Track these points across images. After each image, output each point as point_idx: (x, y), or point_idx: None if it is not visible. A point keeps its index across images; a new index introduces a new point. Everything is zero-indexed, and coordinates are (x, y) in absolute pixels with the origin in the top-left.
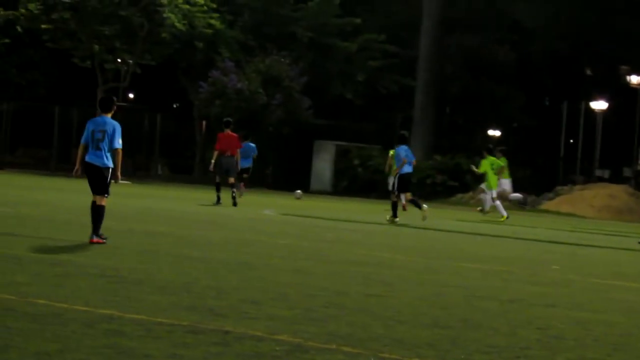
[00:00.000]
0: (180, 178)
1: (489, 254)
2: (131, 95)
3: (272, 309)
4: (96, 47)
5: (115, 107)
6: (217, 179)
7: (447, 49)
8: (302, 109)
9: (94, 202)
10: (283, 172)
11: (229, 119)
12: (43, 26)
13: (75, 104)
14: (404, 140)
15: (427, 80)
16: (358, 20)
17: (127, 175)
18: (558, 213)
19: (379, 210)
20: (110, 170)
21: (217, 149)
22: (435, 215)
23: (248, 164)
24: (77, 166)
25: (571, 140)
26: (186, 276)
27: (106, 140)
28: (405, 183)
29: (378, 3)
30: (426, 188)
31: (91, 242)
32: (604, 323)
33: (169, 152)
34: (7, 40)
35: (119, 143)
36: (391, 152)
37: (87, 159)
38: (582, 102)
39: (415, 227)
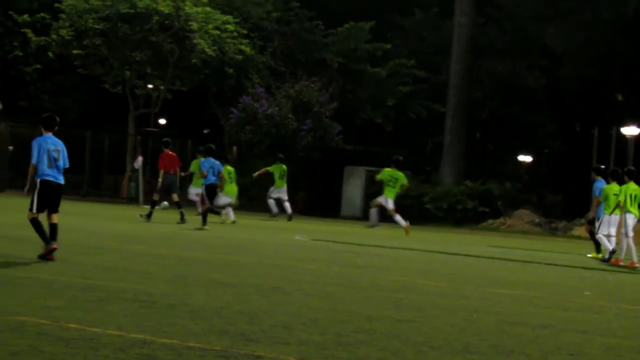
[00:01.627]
0: (210, 203)
1: (520, 280)
2: (162, 121)
3: (303, 333)
4: (127, 72)
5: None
6: (157, 197)
7: (477, 74)
8: (332, 134)
9: (36, 219)
10: (313, 198)
11: (168, 139)
12: (74, 52)
13: (106, 129)
14: (210, 153)
15: (456, 106)
16: (388, 46)
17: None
18: (590, 239)
19: (410, 236)
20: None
21: (161, 168)
22: (466, 241)
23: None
24: (28, 185)
25: (602, 166)
26: (217, 301)
27: (61, 159)
28: (212, 192)
29: (408, 28)
30: (457, 213)
31: (50, 259)
32: (636, 349)
33: None
34: (38, 66)
35: (67, 162)
36: (195, 162)
37: (47, 177)
38: (613, 128)
39: (445, 253)
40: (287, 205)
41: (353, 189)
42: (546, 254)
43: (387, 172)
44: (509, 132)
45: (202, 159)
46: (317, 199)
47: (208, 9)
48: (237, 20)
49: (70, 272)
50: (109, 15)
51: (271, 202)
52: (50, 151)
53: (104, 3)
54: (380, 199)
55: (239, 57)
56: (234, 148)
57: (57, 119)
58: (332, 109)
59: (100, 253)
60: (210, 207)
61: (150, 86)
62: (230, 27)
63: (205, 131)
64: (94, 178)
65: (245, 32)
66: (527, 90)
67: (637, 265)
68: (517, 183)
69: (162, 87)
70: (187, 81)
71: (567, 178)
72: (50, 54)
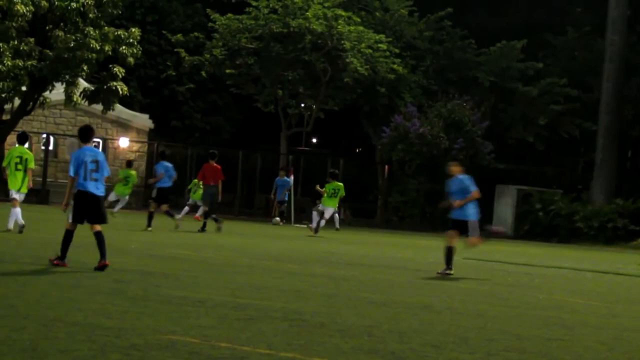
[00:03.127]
0: (362, 222)
1: None
2: (314, 140)
3: (453, 352)
4: (279, 92)
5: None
6: (206, 207)
7: (629, 93)
8: (484, 153)
9: (70, 231)
10: None
11: (214, 151)
12: (227, 71)
13: (258, 148)
14: (164, 157)
15: (608, 124)
16: (540, 65)
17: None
18: None
19: (561, 254)
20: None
21: (200, 179)
22: (616, 259)
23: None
24: (66, 200)
25: None
26: (367, 319)
27: (100, 170)
28: (163, 196)
29: (560, 47)
30: (607, 232)
31: (105, 265)
32: None
33: (351, 196)
34: (191, 86)
35: (108, 171)
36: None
37: (83, 188)
38: None
39: (596, 271)
40: (323, 221)
41: (504, 207)
42: None
43: (330, 186)
44: None
45: (157, 163)
46: None
47: (361, 28)
48: (390, 39)
49: (222, 291)
50: (262, 34)
51: (314, 214)
52: (88, 163)
53: (257, 22)
54: (321, 207)
55: (391, 76)
56: (386, 167)
57: (94, 129)
58: (484, 127)
59: (252, 272)
60: (167, 210)
61: (302, 105)
62: (383, 46)
63: (357, 150)
64: (246, 197)
65: (397, 51)
66: None
67: None
68: None
69: (314, 106)
70: (340, 100)
71: None
72: (203, 73)
